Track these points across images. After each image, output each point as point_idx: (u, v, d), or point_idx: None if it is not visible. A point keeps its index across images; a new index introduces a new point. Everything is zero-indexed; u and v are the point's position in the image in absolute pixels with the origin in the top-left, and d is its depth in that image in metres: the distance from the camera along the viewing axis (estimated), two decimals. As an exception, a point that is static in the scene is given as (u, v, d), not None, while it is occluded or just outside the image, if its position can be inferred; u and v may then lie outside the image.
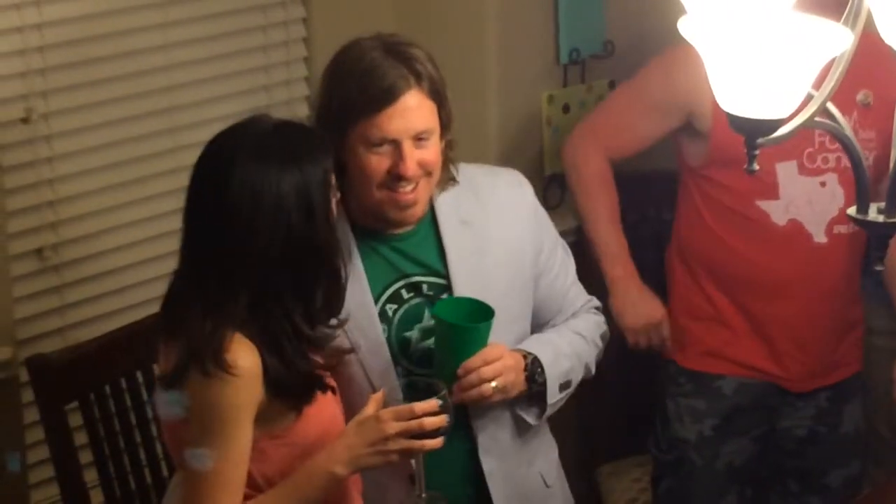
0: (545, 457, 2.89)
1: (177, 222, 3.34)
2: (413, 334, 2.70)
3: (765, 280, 3.27)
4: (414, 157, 2.59)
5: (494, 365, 2.63)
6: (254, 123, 2.41)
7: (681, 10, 1.91)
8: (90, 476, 2.99)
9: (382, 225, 2.70)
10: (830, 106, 1.90)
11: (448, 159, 2.70)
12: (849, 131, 1.95)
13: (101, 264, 3.28)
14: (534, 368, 2.71)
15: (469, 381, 2.61)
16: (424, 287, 2.71)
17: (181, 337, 2.34)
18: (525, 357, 2.71)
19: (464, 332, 2.62)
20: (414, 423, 2.41)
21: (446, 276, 2.71)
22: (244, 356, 2.31)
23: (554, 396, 2.76)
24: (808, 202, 3.23)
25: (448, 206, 2.73)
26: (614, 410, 3.81)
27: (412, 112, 2.58)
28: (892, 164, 1.93)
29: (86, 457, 2.99)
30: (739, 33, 1.79)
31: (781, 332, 3.31)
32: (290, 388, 2.37)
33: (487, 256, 2.72)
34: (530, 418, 2.78)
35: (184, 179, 3.34)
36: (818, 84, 1.87)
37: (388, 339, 2.68)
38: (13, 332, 3.14)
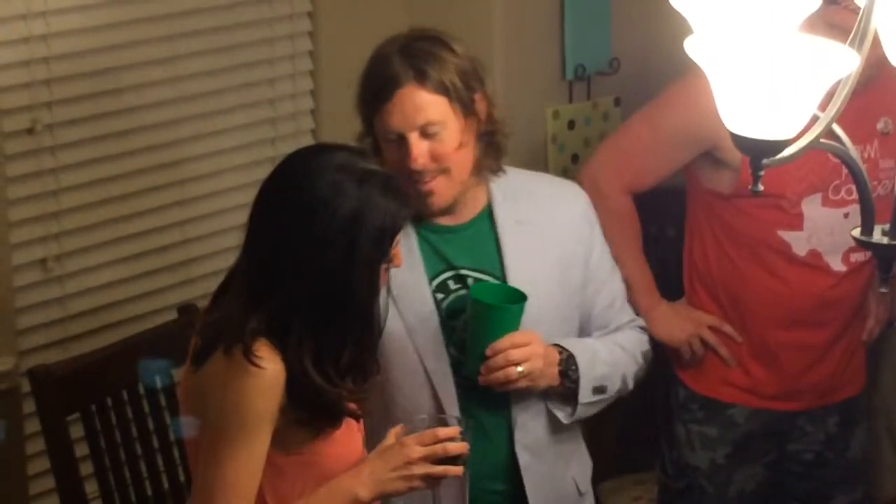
0: (579, 464, 2.92)
1: (179, 234, 3.39)
2: (457, 324, 2.76)
3: (781, 308, 3.24)
4: (422, 149, 2.66)
5: (523, 349, 2.67)
6: (348, 154, 2.41)
7: (687, 29, 1.91)
8: (91, 488, 2.99)
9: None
10: (836, 127, 1.90)
11: (486, 152, 2.75)
12: (853, 152, 1.95)
13: (104, 275, 3.28)
14: (568, 365, 2.76)
15: (496, 362, 2.66)
16: (470, 280, 2.77)
17: (215, 322, 2.34)
18: (560, 352, 2.76)
19: (495, 313, 2.67)
20: (438, 447, 2.44)
21: (500, 273, 2.77)
22: (269, 360, 2.30)
23: (586, 397, 2.79)
24: (830, 233, 3.19)
25: (506, 205, 2.80)
26: (616, 428, 3.80)
27: (410, 106, 2.65)
28: (896, 187, 1.93)
29: (86, 468, 2.99)
30: (746, 54, 1.79)
31: (794, 359, 3.28)
32: (311, 409, 2.35)
33: (541, 257, 2.79)
34: (562, 416, 2.81)
35: (187, 191, 3.40)
36: (824, 106, 1.86)
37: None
38: (15, 342, 3.13)
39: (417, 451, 2.43)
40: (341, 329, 2.35)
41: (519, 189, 2.82)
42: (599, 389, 2.81)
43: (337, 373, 2.37)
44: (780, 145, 1.83)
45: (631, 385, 2.90)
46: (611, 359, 2.84)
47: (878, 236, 1.97)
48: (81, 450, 2.98)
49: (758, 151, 1.84)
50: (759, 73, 1.77)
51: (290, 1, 3.53)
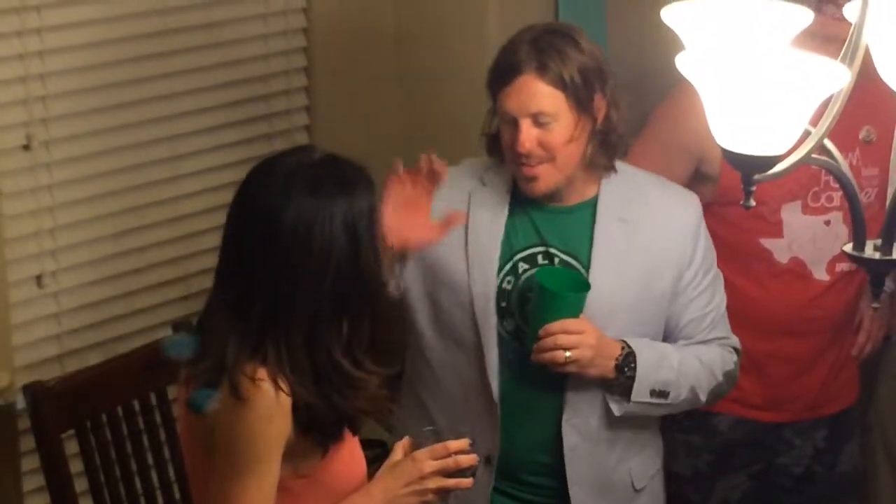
0: (642, 459, 2.94)
1: (174, 251, 3.39)
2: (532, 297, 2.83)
3: (765, 317, 3.25)
4: (531, 135, 2.76)
5: (573, 336, 2.74)
6: (302, 154, 2.37)
7: (681, 45, 1.92)
8: (86, 504, 2.99)
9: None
10: (828, 143, 1.90)
11: (599, 149, 2.81)
12: (845, 167, 1.95)
13: (99, 292, 3.28)
14: (627, 361, 2.80)
15: (545, 343, 2.74)
16: (556, 260, 2.84)
17: (213, 363, 2.28)
18: (623, 348, 2.80)
19: (552, 299, 2.74)
20: (450, 460, 2.45)
21: (587, 261, 2.83)
22: (275, 388, 2.27)
23: (642, 397, 2.83)
24: (812, 240, 3.21)
25: (612, 200, 2.86)
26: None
27: (526, 93, 2.76)
28: (888, 201, 1.93)
29: (82, 485, 2.99)
30: (737, 70, 1.80)
31: (779, 369, 3.29)
32: (322, 426, 2.33)
33: (631, 256, 2.84)
34: (615, 407, 2.85)
35: (183, 208, 3.39)
36: (815, 121, 1.86)
37: (511, 292, 2.83)
38: (11, 358, 3.13)
39: (430, 465, 2.43)
40: (361, 316, 2.33)
41: (634, 189, 2.88)
42: (660, 393, 2.85)
43: (364, 355, 2.35)
44: (772, 161, 1.84)
45: (704, 398, 2.91)
46: (681, 367, 2.86)
47: (870, 251, 1.96)
48: (76, 466, 2.98)
49: (749, 167, 1.84)
50: (751, 89, 1.77)
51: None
